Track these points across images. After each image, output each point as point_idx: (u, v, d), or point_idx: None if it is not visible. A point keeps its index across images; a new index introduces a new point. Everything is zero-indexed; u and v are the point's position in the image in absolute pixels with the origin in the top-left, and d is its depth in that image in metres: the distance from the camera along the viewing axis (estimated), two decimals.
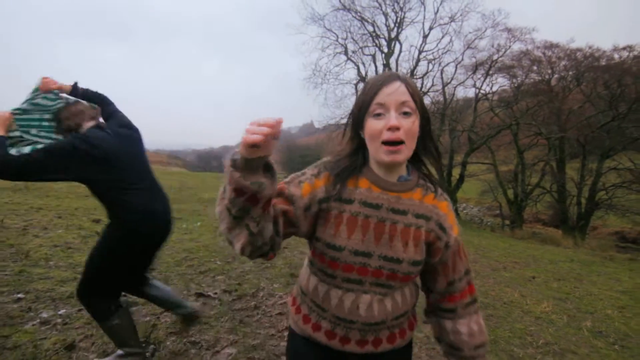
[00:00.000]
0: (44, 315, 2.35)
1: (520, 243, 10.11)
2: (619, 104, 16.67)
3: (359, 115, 0.84)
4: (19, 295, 2.59)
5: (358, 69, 15.78)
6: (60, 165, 1.54)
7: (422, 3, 14.27)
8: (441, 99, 16.35)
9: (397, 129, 0.77)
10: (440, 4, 14.47)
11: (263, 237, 0.76)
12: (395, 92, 0.79)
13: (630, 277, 6.29)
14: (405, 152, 0.80)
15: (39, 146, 1.64)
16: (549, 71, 18.36)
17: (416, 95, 0.81)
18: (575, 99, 18.11)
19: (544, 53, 18.15)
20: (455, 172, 18.46)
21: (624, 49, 17.31)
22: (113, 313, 1.75)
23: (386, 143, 0.79)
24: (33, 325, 2.21)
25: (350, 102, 15.78)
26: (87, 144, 1.59)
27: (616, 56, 17.48)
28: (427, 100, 16.46)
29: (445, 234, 0.89)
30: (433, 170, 0.96)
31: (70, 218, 5.52)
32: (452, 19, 14.35)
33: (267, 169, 0.70)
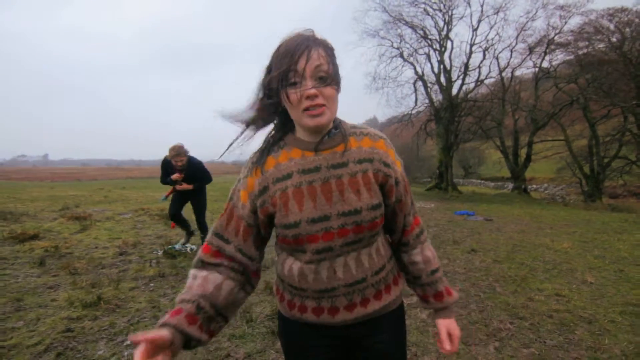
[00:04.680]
0: None
1: (581, 212, 10.78)
2: None
3: (277, 85, 0.79)
4: None
5: (415, 68, 17.19)
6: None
7: (467, 1, 15.23)
8: (499, 85, 16.93)
9: (316, 95, 0.77)
10: None
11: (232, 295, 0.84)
12: (309, 59, 0.76)
13: None
14: (328, 113, 0.79)
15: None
16: (619, 37, 17.73)
17: (329, 54, 0.81)
18: None
19: (610, 20, 17.63)
20: (523, 153, 18.75)
21: None
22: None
23: (307, 109, 0.78)
24: None
25: (410, 101, 17.21)
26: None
27: None
28: (484, 89, 17.24)
29: (391, 169, 0.89)
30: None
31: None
32: (497, 10, 15.06)
33: (189, 340, 0.75)
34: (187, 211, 4.82)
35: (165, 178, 4.44)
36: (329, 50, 0.81)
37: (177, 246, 4.70)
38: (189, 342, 0.76)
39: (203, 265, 0.86)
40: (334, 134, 0.87)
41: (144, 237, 5.58)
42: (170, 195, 4.68)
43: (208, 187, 4.87)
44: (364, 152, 0.87)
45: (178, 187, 4.39)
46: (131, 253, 4.57)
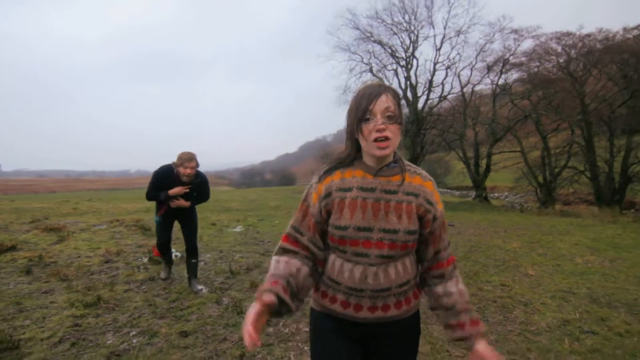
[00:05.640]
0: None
1: (533, 217, 11.78)
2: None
3: (354, 123, 1.02)
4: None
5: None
6: None
7: (431, 24, 16.42)
8: (461, 100, 18.19)
9: (384, 129, 0.98)
10: (448, 20, 16.55)
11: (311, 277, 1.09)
12: (381, 102, 0.98)
13: (613, 231, 7.96)
14: (391, 146, 1.00)
15: None
16: (566, 58, 19.52)
17: (396, 99, 1.02)
18: (593, 82, 19.06)
19: (557, 43, 19.43)
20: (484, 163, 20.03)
21: (635, 28, 18.23)
22: None
23: (376, 140, 0.99)
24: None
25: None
26: None
27: (629, 36, 18.40)
28: (447, 104, 18.43)
29: (432, 207, 1.06)
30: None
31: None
32: (458, 32, 16.33)
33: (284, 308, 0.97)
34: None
35: (156, 192, 3.42)
36: (396, 96, 1.03)
37: (162, 275, 4.00)
38: (280, 310, 0.96)
39: (284, 251, 1.08)
40: (392, 166, 1.07)
41: (125, 246, 5.73)
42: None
43: None
44: (413, 187, 1.05)
45: (173, 203, 3.47)
46: (116, 261, 4.76)
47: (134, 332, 2.60)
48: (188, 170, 3.32)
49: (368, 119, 0.99)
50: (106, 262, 4.69)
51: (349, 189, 1.04)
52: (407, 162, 1.10)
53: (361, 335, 1.09)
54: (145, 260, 4.76)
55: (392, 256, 1.02)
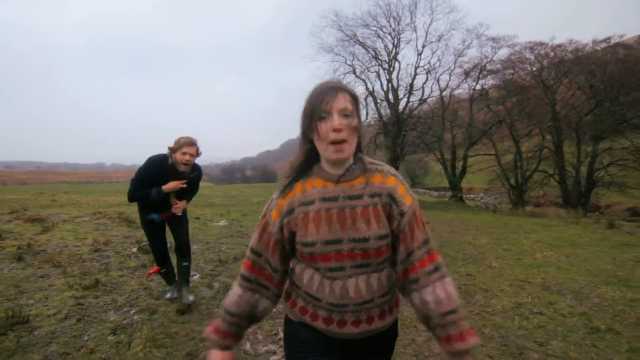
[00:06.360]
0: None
1: (504, 217, 12.48)
2: (605, 90, 18.61)
3: (309, 122, 0.95)
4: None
5: (366, 85, 18.62)
6: None
7: (413, 28, 16.99)
8: (440, 104, 18.92)
9: (340, 130, 0.91)
10: (429, 25, 17.17)
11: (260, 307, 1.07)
12: (338, 100, 0.92)
13: (574, 231, 8.60)
14: (348, 149, 0.94)
15: None
16: (538, 66, 20.54)
17: (353, 100, 0.96)
18: (563, 91, 20.16)
19: (531, 52, 20.42)
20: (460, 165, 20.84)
21: (603, 40, 19.40)
22: None
23: (333, 143, 0.92)
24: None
25: (361, 114, 18.58)
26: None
27: (597, 48, 19.55)
28: (426, 107, 19.12)
29: (396, 203, 0.97)
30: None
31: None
32: (439, 37, 16.98)
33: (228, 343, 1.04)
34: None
35: (143, 190, 2.72)
36: (353, 97, 0.97)
37: (167, 295, 3.20)
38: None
39: (242, 279, 1.07)
40: (353, 169, 0.99)
41: (112, 237, 5.87)
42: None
43: None
44: (375, 187, 0.98)
45: (175, 208, 2.90)
46: (106, 250, 4.92)
47: (134, 310, 2.84)
48: (187, 157, 2.70)
49: (324, 118, 0.93)
50: (96, 250, 4.84)
51: (311, 202, 0.98)
52: (368, 160, 1.04)
53: (341, 347, 1.04)
54: (135, 250, 4.94)
55: (368, 264, 0.96)
